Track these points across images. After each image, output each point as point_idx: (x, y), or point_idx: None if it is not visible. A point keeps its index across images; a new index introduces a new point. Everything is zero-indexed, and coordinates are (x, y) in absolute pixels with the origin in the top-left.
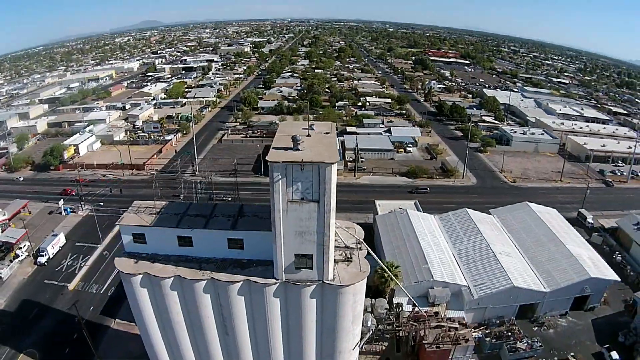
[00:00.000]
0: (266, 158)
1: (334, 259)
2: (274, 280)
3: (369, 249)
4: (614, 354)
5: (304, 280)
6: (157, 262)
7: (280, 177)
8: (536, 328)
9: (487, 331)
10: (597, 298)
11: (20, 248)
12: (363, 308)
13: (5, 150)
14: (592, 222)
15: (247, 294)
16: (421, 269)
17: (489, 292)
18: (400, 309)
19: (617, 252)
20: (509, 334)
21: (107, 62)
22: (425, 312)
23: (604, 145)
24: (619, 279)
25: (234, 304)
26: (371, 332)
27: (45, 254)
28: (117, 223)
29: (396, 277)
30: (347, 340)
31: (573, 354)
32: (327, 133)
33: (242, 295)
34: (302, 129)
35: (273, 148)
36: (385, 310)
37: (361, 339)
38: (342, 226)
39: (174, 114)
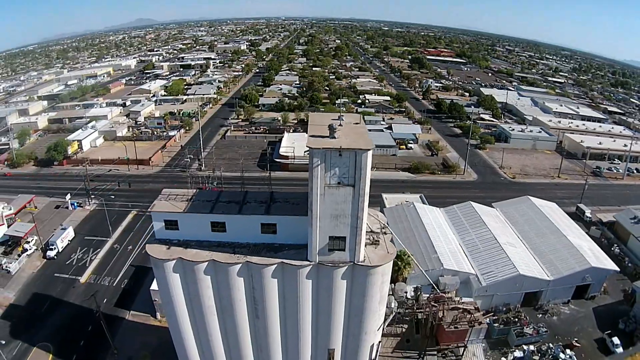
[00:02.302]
0: (306, 144)
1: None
2: (308, 262)
3: (393, 233)
4: (616, 339)
5: (336, 262)
6: (190, 248)
7: (319, 162)
8: (540, 315)
9: (494, 317)
10: (598, 287)
11: (28, 242)
12: (388, 290)
13: (7, 147)
14: (590, 216)
15: (280, 276)
16: (431, 258)
17: (496, 280)
18: (420, 292)
19: (615, 245)
20: (516, 320)
21: (104, 60)
22: (443, 294)
23: (600, 143)
24: (618, 269)
25: (267, 287)
26: (394, 313)
27: (55, 248)
28: (149, 210)
29: (409, 265)
30: (373, 321)
31: (576, 339)
32: (357, 123)
33: (276, 278)
34: (332, 119)
35: (310, 136)
36: (405, 294)
37: (385, 321)
38: (368, 212)
39: (176, 111)
